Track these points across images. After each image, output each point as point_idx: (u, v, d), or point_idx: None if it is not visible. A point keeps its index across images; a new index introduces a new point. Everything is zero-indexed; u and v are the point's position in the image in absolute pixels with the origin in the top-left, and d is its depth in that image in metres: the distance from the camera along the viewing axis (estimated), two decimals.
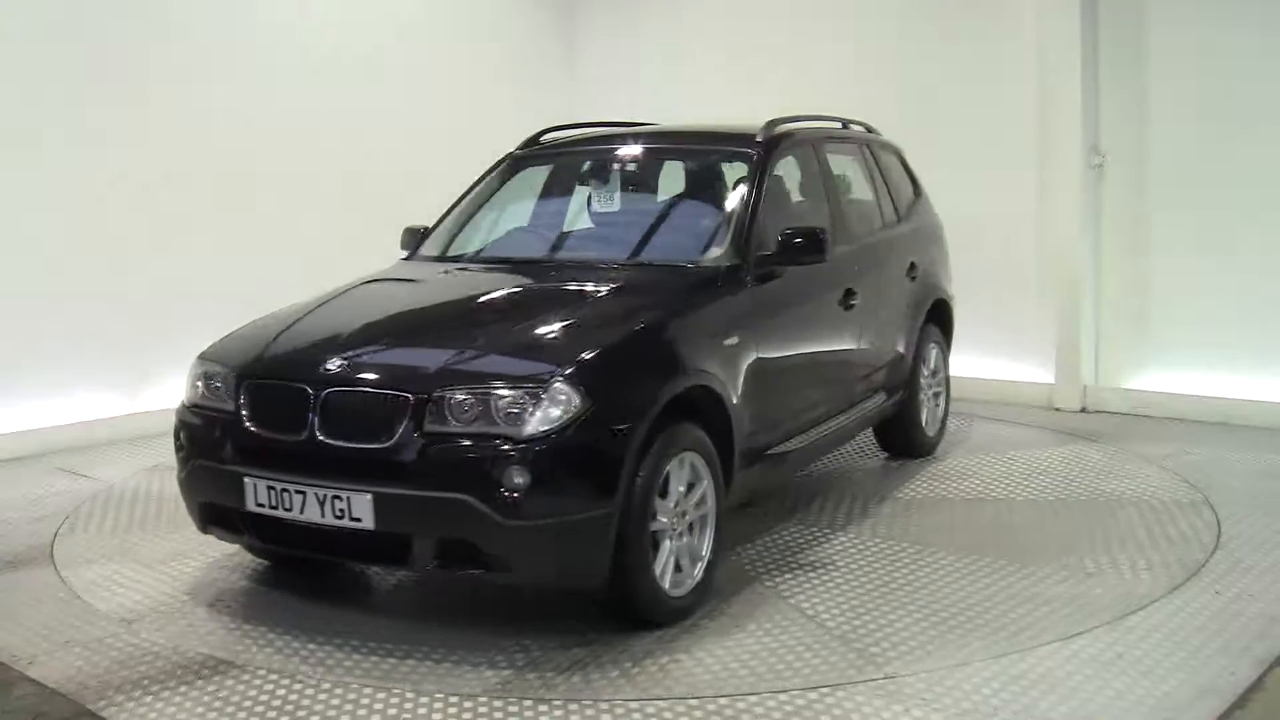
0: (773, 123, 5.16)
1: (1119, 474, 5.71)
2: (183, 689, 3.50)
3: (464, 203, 5.53)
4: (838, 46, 8.19)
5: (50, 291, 6.72)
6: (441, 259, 5.13)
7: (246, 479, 3.80)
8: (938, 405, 6.29)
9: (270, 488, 3.74)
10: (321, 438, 3.72)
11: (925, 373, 6.08)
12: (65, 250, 6.78)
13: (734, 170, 5.04)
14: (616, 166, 5.46)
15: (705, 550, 4.02)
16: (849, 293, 5.14)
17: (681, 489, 3.90)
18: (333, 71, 8.09)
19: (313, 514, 3.67)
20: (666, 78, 9.04)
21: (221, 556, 4.69)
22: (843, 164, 5.78)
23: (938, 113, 7.67)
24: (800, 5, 8.44)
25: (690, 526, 3.97)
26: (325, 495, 3.63)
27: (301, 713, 3.33)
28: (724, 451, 4.15)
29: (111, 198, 6.97)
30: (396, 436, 3.59)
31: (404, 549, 3.65)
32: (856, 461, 6.14)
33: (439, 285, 4.78)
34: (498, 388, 3.57)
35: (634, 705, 3.32)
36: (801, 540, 4.79)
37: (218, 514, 4.03)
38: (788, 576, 4.36)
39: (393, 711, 3.33)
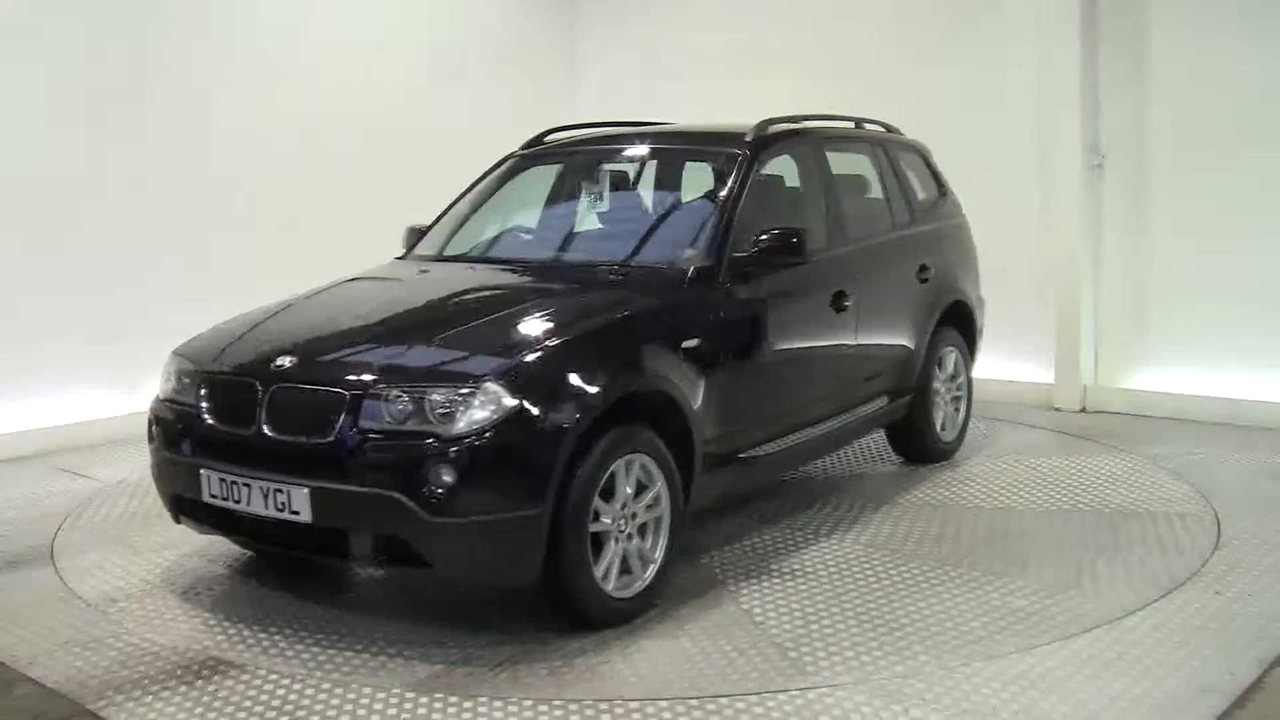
0: (765, 123, 5.14)
1: (1118, 475, 5.70)
2: (183, 689, 3.50)
3: (461, 202, 5.57)
4: (838, 47, 8.19)
5: (50, 292, 6.73)
6: (429, 258, 5.18)
7: (202, 471, 3.93)
8: (957, 410, 6.15)
9: (221, 480, 3.86)
10: (267, 432, 3.80)
11: (941, 377, 5.96)
12: (65, 250, 6.78)
13: (720, 170, 4.99)
14: (606, 167, 5.47)
15: (658, 553, 4.02)
16: (841, 294, 5.08)
17: (629, 491, 3.90)
18: (333, 71, 8.09)
19: (258, 506, 3.77)
20: (667, 77, 9.03)
21: (222, 557, 4.69)
22: (850, 164, 5.74)
23: (938, 113, 7.66)
24: (800, 6, 8.44)
25: (642, 529, 3.99)
26: (268, 488, 3.73)
27: (301, 713, 3.34)
28: (685, 454, 4.14)
29: (111, 198, 6.97)
30: (334, 433, 3.66)
31: (342, 543, 3.73)
32: (868, 466, 6.04)
33: (411, 285, 4.80)
34: (431, 387, 3.63)
35: (557, 704, 3.33)
36: (780, 545, 4.74)
37: (185, 504, 4.14)
38: (751, 582, 4.30)
39: (392, 711, 3.33)
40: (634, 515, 3.94)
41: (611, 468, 3.80)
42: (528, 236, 5.38)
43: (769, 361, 4.71)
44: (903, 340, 5.63)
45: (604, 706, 3.33)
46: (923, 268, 5.77)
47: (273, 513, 3.74)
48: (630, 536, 3.93)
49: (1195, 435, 6.45)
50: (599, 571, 3.79)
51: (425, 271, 4.97)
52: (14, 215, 6.60)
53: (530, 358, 3.76)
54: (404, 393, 3.63)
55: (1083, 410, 7.23)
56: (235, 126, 7.52)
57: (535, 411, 3.61)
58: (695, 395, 4.18)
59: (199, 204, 7.36)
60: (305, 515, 3.68)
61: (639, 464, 3.94)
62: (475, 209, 5.50)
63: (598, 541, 3.81)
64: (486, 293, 4.56)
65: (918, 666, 3.55)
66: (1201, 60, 6.79)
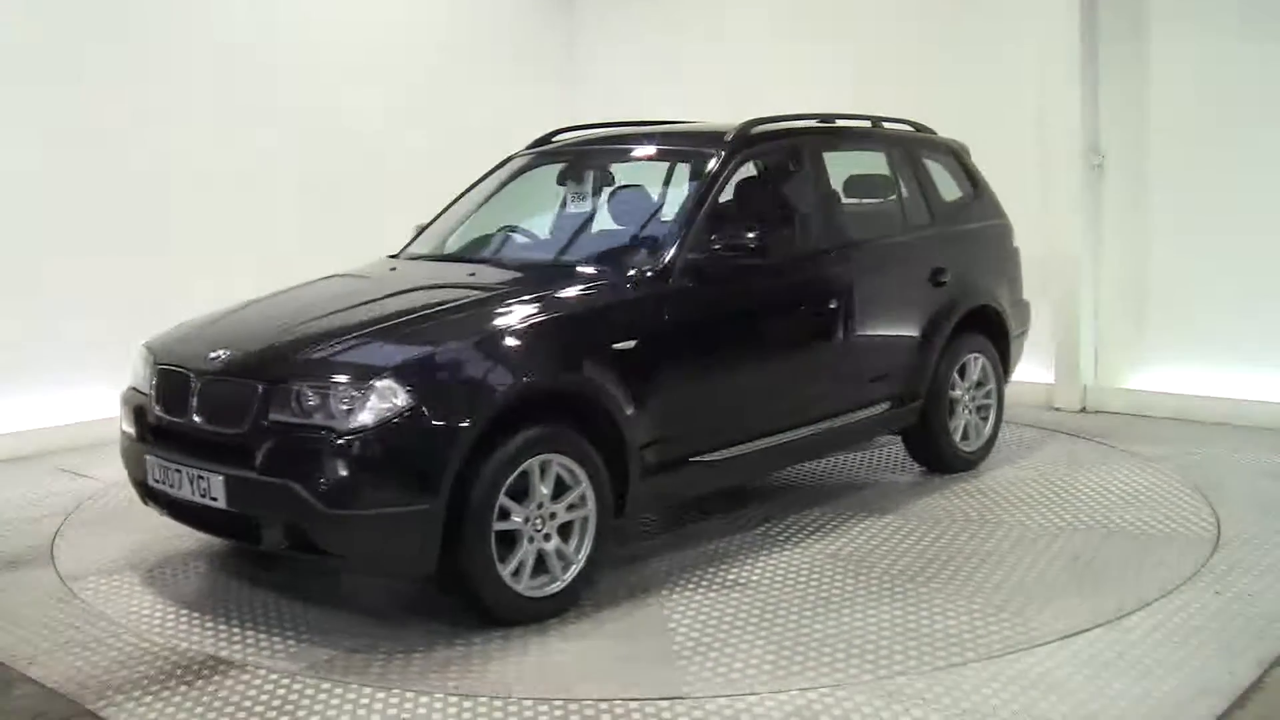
0: (750, 123, 5.09)
1: (1118, 475, 5.70)
2: (183, 689, 3.50)
3: (463, 201, 5.61)
4: (838, 46, 8.19)
5: (50, 292, 6.73)
6: (417, 256, 5.22)
7: (148, 456, 4.19)
8: (983, 419, 5.92)
9: (161, 465, 4.10)
10: (197, 421, 4.01)
11: (963, 384, 5.76)
12: (65, 250, 6.78)
13: (693, 172, 4.96)
14: (590, 168, 5.45)
15: (581, 554, 4.04)
16: (825, 297, 5.01)
17: (546, 491, 3.93)
18: (334, 72, 8.09)
19: (186, 492, 3.99)
20: (667, 77, 9.04)
21: (222, 557, 4.69)
22: (857, 164, 5.68)
23: (938, 113, 7.62)
24: (800, 6, 8.44)
25: (565, 529, 4.01)
26: (193, 475, 3.94)
27: (301, 713, 3.34)
28: (622, 457, 4.15)
29: (112, 198, 6.98)
30: (247, 423, 3.82)
31: (255, 529, 3.89)
32: (882, 474, 5.83)
33: (372, 283, 4.81)
34: (335, 382, 3.74)
35: (424, 698, 3.37)
36: (740, 552, 4.64)
37: (143, 488, 4.35)
38: (689, 589, 4.25)
39: (392, 711, 3.33)
40: (552, 515, 3.96)
41: (523, 467, 3.84)
42: (517, 237, 5.38)
43: (730, 365, 4.65)
44: (908, 344, 5.47)
45: (483, 700, 3.35)
46: (939, 271, 5.58)
47: (197, 498, 3.94)
48: (548, 537, 3.96)
49: (1195, 435, 6.44)
50: (508, 569, 3.83)
51: (394, 270, 5.02)
52: (14, 215, 6.60)
53: (429, 356, 3.85)
54: (310, 388, 3.75)
55: (1083, 410, 7.23)
56: (235, 126, 7.52)
57: (430, 409, 3.69)
58: (630, 398, 4.15)
59: (199, 204, 7.36)
60: (221, 502, 3.86)
61: (558, 465, 3.95)
62: (475, 208, 5.51)
63: (512, 539, 3.86)
64: (430, 292, 4.56)
65: (969, 655, 3.56)
66: (1202, 60, 6.78)
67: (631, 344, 4.19)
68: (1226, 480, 5.52)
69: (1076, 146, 7.13)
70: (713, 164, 4.83)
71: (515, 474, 3.82)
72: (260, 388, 3.83)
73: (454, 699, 3.39)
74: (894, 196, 5.73)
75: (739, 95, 8.30)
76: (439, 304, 4.29)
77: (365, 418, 3.65)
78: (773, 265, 4.84)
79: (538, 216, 5.52)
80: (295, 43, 7.91)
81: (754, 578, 4.36)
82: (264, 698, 3.44)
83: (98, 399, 6.88)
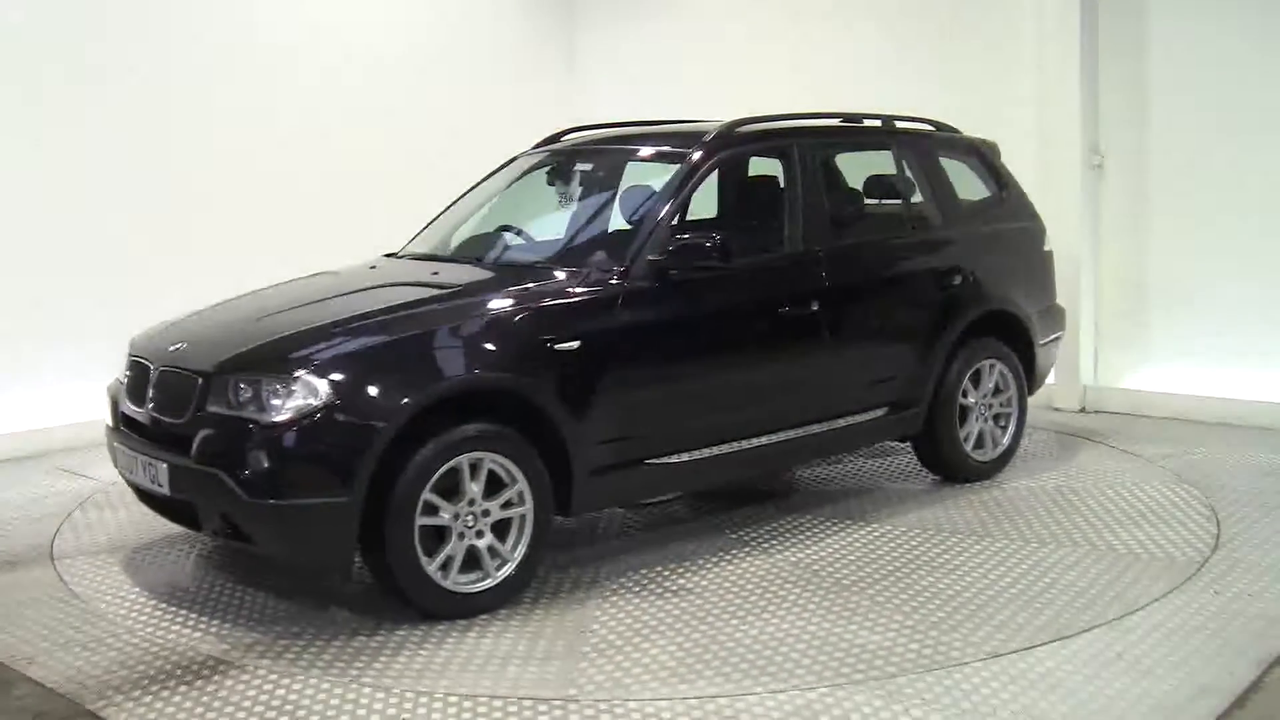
0: (733, 123, 5.04)
1: (1118, 476, 5.70)
2: (183, 689, 3.50)
3: (464, 200, 5.62)
4: (837, 45, 8.19)
5: (50, 292, 6.73)
6: (409, 256, 5.22)
7: (116, 444, 4.41)
8: (1002, 427, 5.70)
9: (126, 454, 4.30)
10: (152, 410, 4.20)
11: (976, 391, 5.54)
12: (66, 250, 6.79)
13: (666, 172, 4.90)
14: (576, 167, 5.45)
15: (517, 552, 4.08)
16: (803, 299, 4.87)
17: (476, 488, 3.97)
18: (334, 73, 8.09)
19: (142, 478, 4.19)
20: (668, 77, 9.03)
21: (222, 557, 4.69)
22: (859, 165, 5.62)
23: (938, 113, 7.64)
24: (800, 6, 8.43)
25: (501, 527, 4.06)
26: (146, 462, 4.14)
27: (301, 713, 3.34)
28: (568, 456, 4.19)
29: (112, 199, 6.98)
30: (188, 414, 4.00)
31: (195, 516, 4.08)
32: (890, 482, 5.63)
33: (340, 281, 4.86)
34: (264, 375, 3.87)
35: (424, 698, 3.40)
36: (703, 555, 4.61)
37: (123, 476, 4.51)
38: (631, 592, 4.23)
39: (392, 711, 3.33)
40: (486, 513, 4.01)
41: (450, 464, 3.89)
42: (508, 236, 5.35)
43: (693, 368, 4.61)
44: (907, 349, 5.30)
45: (483, 700, 3.37)
46: (945, 273, 5.43)
47: (150, 485, 4.14)
48: (481, 534, 4.00)
49: (1195, 435, 6.44)
50: (433, 563, 3.89)
51: (373, 269, 5.05)
52: (14, 216, 6.60)
53: (353, 354, 3.97)
54: (243, 380, 3.90)
55: (1082, 410, 7.23)
56: (236, 127, 7.52)
57: (349, 405, 3.79)
58: (572, 398, 4.17)
59: (199, 205, 7.36)
60: (165, 488, 4.04)
61: (492, 462, 3.99)
62: (478, 207, 5.52)
63: (444, 534, 3.94)
64: (387, 291, 4.63)
65: (970, 654, 3.55)
66: (1202, 60, 6.78)
67: (575, 344, 4.19)
68: (1226, 480, 5.52)
69: (1076, 147, 7.13)
70: (685, 165, 4.80)
71: (442, 471, 3.88)
72: (200, 380, 4.00)
73: (454, 699, 3.39)
74: (896, 197, 5.64)
75: (739, 95, 8.29)
76: (386, 304, 4.34)
77: (287, 411, 3.77)
78: (745, 267, 4.79)
79: (541, 216, 5.51)
80: (296, 43, 7.91)
81: (702, 583, 4.31)
82: (264, 698, 3.44)
83: (98, 399, 6.88)
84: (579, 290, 4.37)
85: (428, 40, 8.78)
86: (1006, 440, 5.73)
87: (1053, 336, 6.06)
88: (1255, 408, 6.62)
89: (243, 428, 3.81)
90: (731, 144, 5.02)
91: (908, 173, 5.61)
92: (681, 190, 4.75)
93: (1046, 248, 6.10)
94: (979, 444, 5.61)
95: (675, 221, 4.79)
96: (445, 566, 3.94)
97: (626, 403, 4.34)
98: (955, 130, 6.04)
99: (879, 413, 5.23)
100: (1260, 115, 6.61)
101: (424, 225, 5.60)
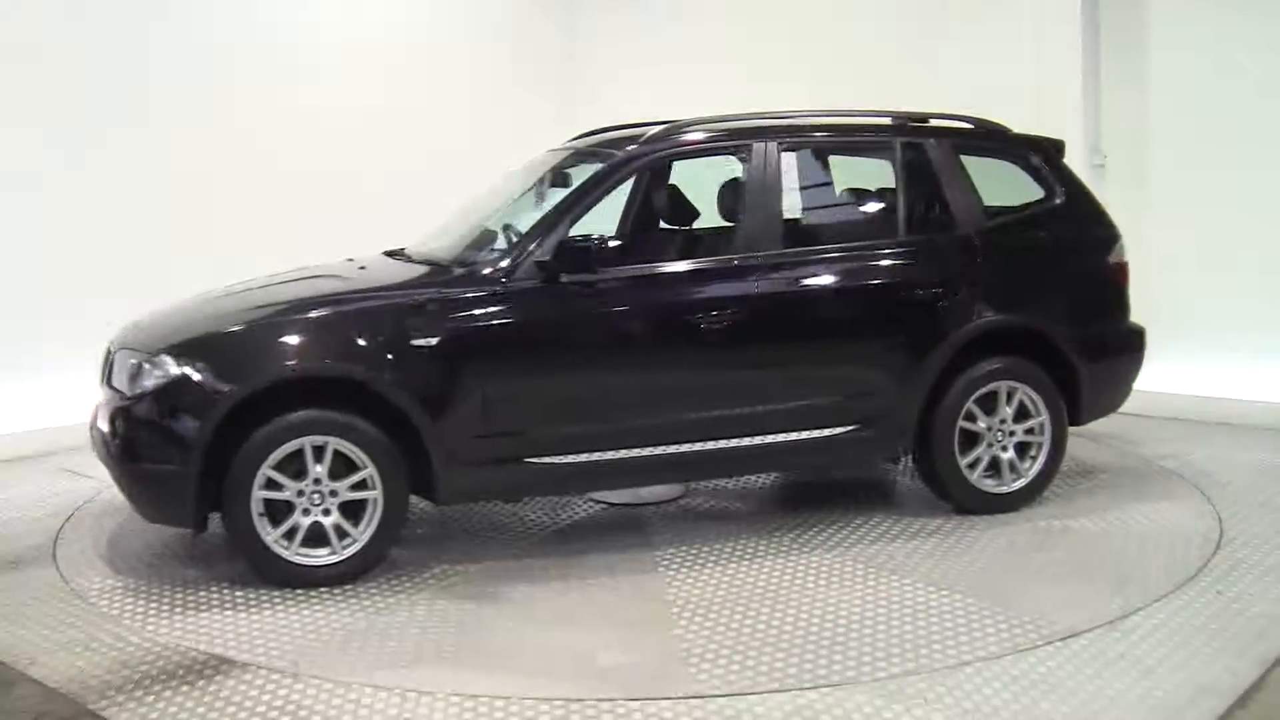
0: (674, 126, 4.97)
1: (1118, 475, 5.70)
2: (184, 689, 3.50)
3: (469, 199, 5.62)
4: (837, 45, 8.19)
5: (51, 291, 6.73)
6: (399, 255, 5.23)
7: (97, 420, 4.66)
8: (1027, 459, 5.12)
9: (93, 429, 4.64)
10: (107, 387, 4.62)
11: (989, 417, 5.02)
12: (66, 250, 6.79)
13: (593, 174, 4.85)
14: (550, 168, 5.36)
15: (365, 533, 4.32)
16: (722, 308, 4.66)
17: (321, 469, 4.25)
18: (334, 73, 8.09)
19: (100, 452, 4.56)
20: (668, 77, 9.04)
21: (222, 556, 4.69)
22: (846, 168, 5.55)
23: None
24: (799, 5, 8.44)
25: (353, 508, 4.32)
26: (98, 435, 4.55)
27: (302, 713, 3.34)
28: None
29: (113, 199, 6.98)
30: (108, 387, 4.56)
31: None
32: (894, 513, 5.13)
33: (297, 276, 5.06)
34: (141, 356, 4.36)
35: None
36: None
37: None
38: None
39: (393, 711, 3.33)
40: (333, 493, 4.29)
41: (293, 445, 4.21)
42: (492, 236, 5.27)
43: (582, 371, 4.59)
44: (879, 365, 4.92)
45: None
46: (939, 284, 4.98)
47: (102, 454, 4.54)
48: (327, 512, 4.29)
49: (1196, 435, 6.44)
50: (272, 535, 4.25)
51: (357, 265, 5.12)
52: (14, 216, 6.60)
53: (207, 338, 4.37)
54: (130, 358, 4.40)
55: None
56: (236, 127, 7.52)
57: (193, 384, 4.22)
58: (430, 393, 4.32)
59: (201, 204, 7.36)
60: (99, 454, 4.55)
61: (339, 446, 4.25)
62: (486, 205, 5.48)
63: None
64: (311, 284, 4.82)
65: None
66: (1202, 60, 6.78)
67: (433, 341, 4.35)
68: (1228, 480, 5.52)
69: (1077, 146, 7.12)
70: (604, 169, 4.80)
71: (283, 450, 4.21)
72: (113, 356, 4.58)
73: (454, 699, 3.39)
74: (874, 202, 5.46)
75: (739, 94, 8.29)
76: (285, 297, 4.63)
77: (144, 386, 4.28)
78: (649, 273, 4.78)
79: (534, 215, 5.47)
80: (297, 44, 7.92)
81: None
82: (264, 698, 3.44)
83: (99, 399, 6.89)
84: (453, 289, 4.49)
85: (428, 40, 8.79)
86: (1032, 472, 5.12)
87: (1114, 361, 5.32)
88: (1256, 407, 6.62)
89: (120, 400, 4.36)
90: (651, 151, 4.91)
91: (922, 176, 5.20)
92: (589, 194, 4.72)
93: (1115, 259, 5.39)
94: (994, 473, 5.09)
95: (575, 224, 4.66)
96: (289, 538, 4.26)
97: (497, 401, 4.41)
98: (1002, 129, 5.49)
99: (843, 430, 4.87)
100: (1261, 115, 6.61)
101: (439, 223, 5.56)
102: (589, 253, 4.48)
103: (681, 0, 9.15)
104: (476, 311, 4.43)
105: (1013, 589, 4.18)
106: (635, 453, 4.61)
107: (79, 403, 6.72)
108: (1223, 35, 6.71)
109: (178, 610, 4.16)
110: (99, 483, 5.87)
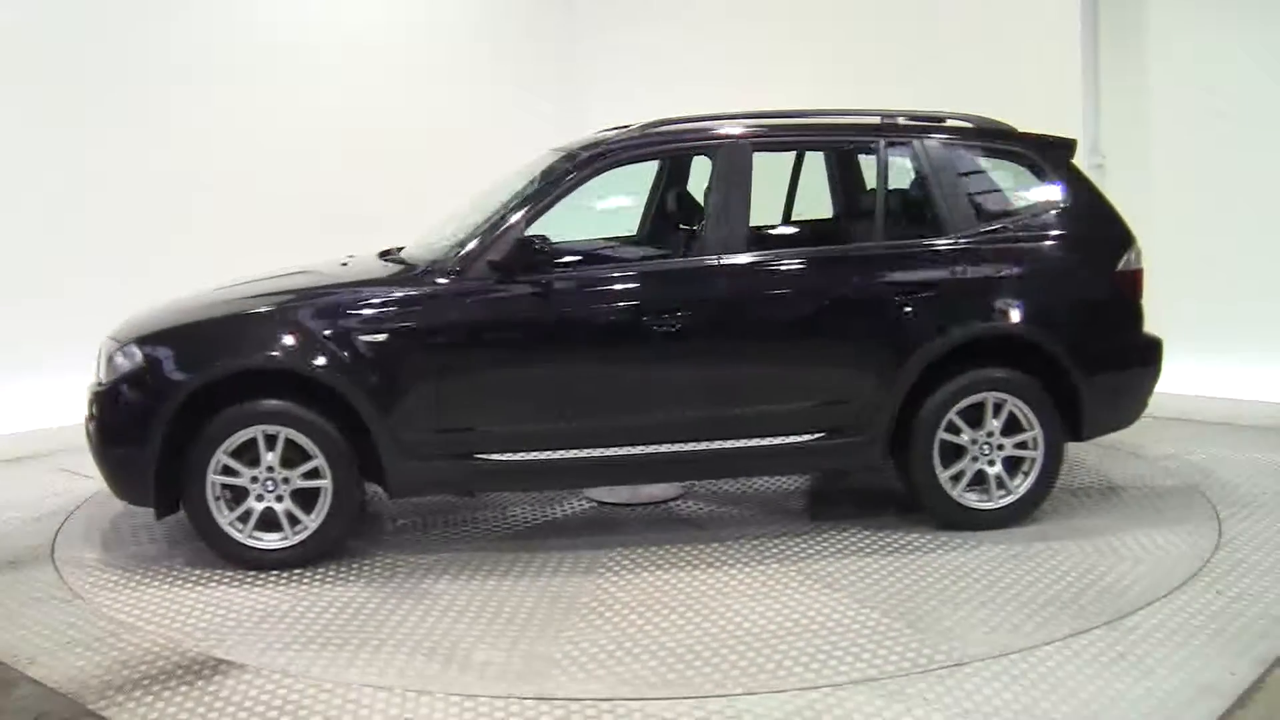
0: (647, 125, 4.90)
1: (1118, 475, 5.70)
2: (183, 689, 3.50)
3: (468, 199, 5.59)
4: (840, 45, 8.20)
5: (51, 291, 6.73)
6: (385, 255, 5.24)
7: None
8: (1016, 475, 4.84)
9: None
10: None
11: (972, 430, 4.78)
12: (67, 250, 6.79)
13: (548, 173, 4.87)
14: (542, 170, 5.29)
15: (315, 520, 4.50)
16: (673, 312, 4.57)
17: (271, 457, 4.44)
18: (333, 73, 8.11)
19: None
20: (668, 76, 9.04)
21: (221, 556, 4.69)
22: (820, 168, 5.50)
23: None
24: (799, 5, 8.44)
25: (304, 496, 4.48)
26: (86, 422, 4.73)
27: (302, 713, 3.34)
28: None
29: (113, 199, 6.98)
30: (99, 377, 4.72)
31: None
32: (867, 526, 4.90)
33: (286, 272, 5.13)
34: (117, 345, 4.59)
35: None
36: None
37: None
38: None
39: (394, 711, 3.33)
40: (285, 480, 4.47)
41: (245, 433, 4.41)
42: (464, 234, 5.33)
43: (528, 371, 4.61)
44: (847, 372, 4.76)
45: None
46: (914, 289, 4.74)
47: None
48: (280, 498, 4.48)
49: (1196, 435, 6.44)
50: (226, 518, 4.47)
51: (340, 264, 5.18)
52: (14, 215, 6.60)
53: (169, 330, 4.59)
54: (110, 347, 4.63)
55: None
56: (236, 128, 7.53)
57: (153, 373, 4.48)
58: (377, 387, 4.44)
59: (200, 204, 7.37)
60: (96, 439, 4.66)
61: (290, 436, 4.43)
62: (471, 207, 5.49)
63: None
64: (288, 279, 4.92)
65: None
66: (1202, 60, 6.79)
67: (381, 338, 4.46)
68: (1228, 480, 5.52)
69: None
70: (558, 169, 4.80)
71: (238, 438, 4.41)
72: (103, 345, 4.73)
73: (454, 699, 3.39)
74: (849, 204, 5.39)
75: (738, 94, 8.29)
76: (259, 293, 4.76)
77: (116, 373, 4.52)
78: (600, 275, 4.79)
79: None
80: (298, 43, 7.92)
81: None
82: (264, 698, 3.44)
83: None
84: (402, 287, 4.58)
85: (427, 40, 8.79)
86: (1023, 489, 4.85)
87: (1121, 374, 4.99)
88: (1257, 407, 6.62)
89: (97, 386, 4.59)
90: (611, 152, 4.80)
91: (888, 176, 4.98)
92: (543, 194, 4.71)
93: (1124, 266, 5.02)
94: (980, 488, 4.84)
95: (531, 224, 4.64)
96: (244, 522, 4.48)
97: (444, 397, 4.49)
98: (1004, 127, 5.24)
99: (809, 438, 4.72)
100: (1261, 115, 6.61)
101: (433, 223, 5.57)
102: (540, 252, 4.54)
103: (685, 1, 9.15)
104: (421, 309, 4.52)
105: (1013, 589, 4.18)
106: (586, 454, 4.62)
107: (78, 403, 6.79)
108: (1223, 35, 6.71)
109: (178, 610, 4.16)
110: (98, 483, 5.87)
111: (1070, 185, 5.09)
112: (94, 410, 4.57)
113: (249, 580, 4.43)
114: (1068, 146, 5.22)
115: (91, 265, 6.89)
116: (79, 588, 4.42)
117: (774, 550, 4.67)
